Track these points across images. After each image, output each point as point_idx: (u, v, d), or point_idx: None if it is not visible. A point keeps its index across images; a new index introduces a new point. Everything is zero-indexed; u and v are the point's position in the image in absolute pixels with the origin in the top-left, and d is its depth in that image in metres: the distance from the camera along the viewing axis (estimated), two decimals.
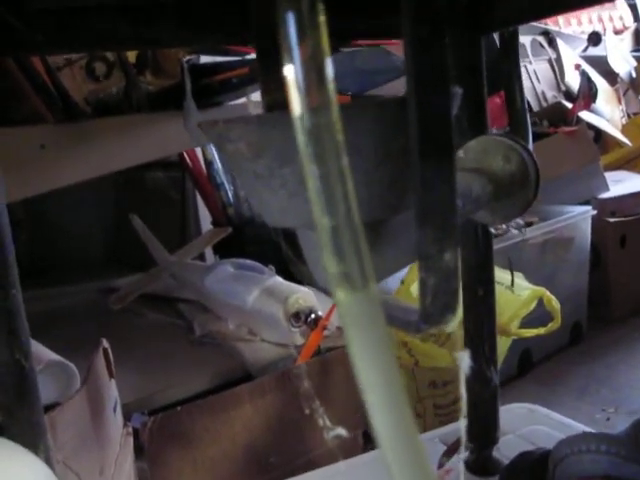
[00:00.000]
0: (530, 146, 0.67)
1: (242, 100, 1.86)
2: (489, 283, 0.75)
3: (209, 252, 2.24)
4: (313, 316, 1.49)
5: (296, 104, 0.25)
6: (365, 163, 0.37)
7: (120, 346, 1.17)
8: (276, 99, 0.53)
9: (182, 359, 1.56)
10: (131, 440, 1.14)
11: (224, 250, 2.08)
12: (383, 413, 0.23)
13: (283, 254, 0.50)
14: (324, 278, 0.46)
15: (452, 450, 0.82)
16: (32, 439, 0.63)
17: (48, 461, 0.64)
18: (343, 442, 1.21)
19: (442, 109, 0.33)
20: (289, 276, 1.70)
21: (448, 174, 0.34)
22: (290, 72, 0.25)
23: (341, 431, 0.46)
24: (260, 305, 1.54)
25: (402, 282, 1.56)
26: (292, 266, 0.50)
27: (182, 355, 1.59)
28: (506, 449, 0.80)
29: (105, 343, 1.12)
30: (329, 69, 0.25)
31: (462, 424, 0.64)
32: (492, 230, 0.75)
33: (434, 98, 0.33)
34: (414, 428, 0.26)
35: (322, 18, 0.25)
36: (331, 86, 0.26)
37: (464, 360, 0.42)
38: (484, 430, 0.80)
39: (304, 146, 0.26)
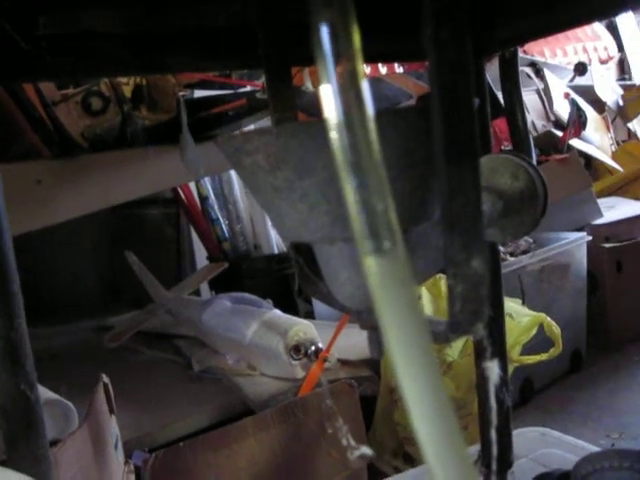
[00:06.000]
0: (534, 163, 0.67)
1: (236, 133, 1.87)
2: (498, 303, 0.74)
3: (205, 287, 2.23)
4: (313, 348, 1.48)
5: (330, 103, 0.25)
6: (386, 172, 0.36)
7: (118, 384, 1.15)
8: (285, 117, 0.53)
9: (181, 395, 1.54)
10: (133, 478, 1.11)
11: (220, 285, 2.07)
12: (415, 377, 0.23)
13: (297, 272, 0.49)
14: (342, 294, 0.45)
15: None
16: (38, 473, 0.62)
17: None
18: (349, 477, 1.19)
19: (466, 115, 0.33)
20: (286, 309, 1.69)
21: (474, 180, 0.33)
22: (327, 89, 0.25)
23: (366, 450, 0.45)
24: (259, 339, 1.53)
25: None
26: (306, 284, 0.49)
27: (181, 391, 1.57)
28: (520, 473, 0.79)
29: (105, 378, 1.10)
30: (364, 84, 0.25)
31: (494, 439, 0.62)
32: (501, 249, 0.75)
33: (458, 104, 0.33)
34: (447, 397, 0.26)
35: (356, 36, 0.25)
36: (367, 100, 0.26)
37: (493, 370, 0.41)
38: (498, 454, 0.79)
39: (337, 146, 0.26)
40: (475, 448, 0.80)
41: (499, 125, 2.19)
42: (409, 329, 0.26)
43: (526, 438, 0.89)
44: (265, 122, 1.74)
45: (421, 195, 0.39)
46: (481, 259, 0.34)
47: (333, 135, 0.26)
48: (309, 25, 0.26)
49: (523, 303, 1.47)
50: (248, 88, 1.77)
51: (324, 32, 0.26)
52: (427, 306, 1.44)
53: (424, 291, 1.43)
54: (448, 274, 0.34)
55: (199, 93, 1.79)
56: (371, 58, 0.79)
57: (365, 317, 0.44)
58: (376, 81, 1.66)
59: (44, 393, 1.15)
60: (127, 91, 1.53)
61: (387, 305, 0.26)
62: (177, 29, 0.62)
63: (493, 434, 0.75)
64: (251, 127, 1.82)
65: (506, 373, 0.75)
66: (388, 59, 1.16)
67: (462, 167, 0.33)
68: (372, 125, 0.27)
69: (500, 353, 0.73)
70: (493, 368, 0.42)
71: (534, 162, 0.68)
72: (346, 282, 0.42)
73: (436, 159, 0.34)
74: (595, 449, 0.84)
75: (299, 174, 0.37)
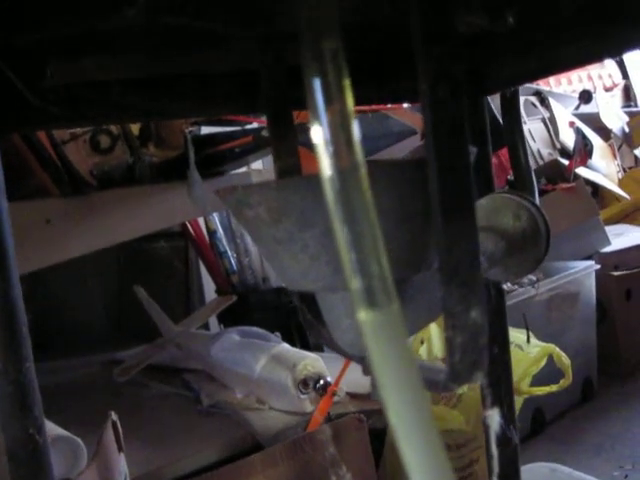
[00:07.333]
0: (537, 201, 0.67)
1: (243, 169, 1.88)
2: (504, 341, 0.74)
3: (213, 321, 2.23)
4: (322, 382, 1.47)
5: (325, 165, 0.26)
6: (385, 223, 0.37)
7: (126, 419, 1.15)
8: (288, 164, 0.53)
9: (190, 430, 1.53)
10: None
11: (229, 318, 2.07)
12: (410, 431, 0.24)
13: (301, 318, 0.50)
14: (344, 341, 0.46)
15: None
16: None
17: None
18: None
19: (462, 168, 0.34)
20: (295, 342, 1.69)
21: (471, 231, 0.34)
22: (318, 133, 0.26)
23: None
24: (268, 373, 1.52)
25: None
26: (310, 330, 0.49)
27: (190, 426, 1.56)
28: None
29: (114, 416, 1.10)
30: (356, 131, 0.26)
31: None
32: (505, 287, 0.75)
33: (454, 158, 0.33)
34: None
35: (347, 82, 0.26)
36: (358, 147, 0.26)
37: (493, 419, 0.41)
38: None
39: (333, 205, 0.26)
40: None
41: (504, 154, 2.20)
42: (403, 386, 0.26)
43: (536, 474, 0.88)
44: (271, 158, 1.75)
45: (420, 245, 0.39)
46: (480, 310, 0.34)
47: (328, 192, 0.27)
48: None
49: (528, 341, 1.46)
50: (254, 124, 1.79)
51: (315, 85, 0.26)
52: (436, 339, 1.44)
53: (433, 326, 1.43)
54: (447, 325, 0.35)
55: (206, 129, 1.81)
56: (359, 103, 0.80)
57: (367, 363, 0.45)
58: (383, 117, 1.68)
59: (53, 430, 1.15)
60: (135, 129, 1.55)
61: (381, 360, 0.26)
62: (179, 75, 0.63)
63: (500, 471, 0.75)
64: (258, 162, 1.84)
65: (512, 411, 0.75)
66: (377, 103, 1.16)
67: (458, 221, 0.34)
68: (366, 183, 0.27)
69: (504, 397, 0.73)
70: (493, 416, 0.42)
71: (536, 200, 0.68)
72: (348, 329, 0.43)
73: (433, 212, 0.34)
74: None
75: (300, 226, 0.37)
